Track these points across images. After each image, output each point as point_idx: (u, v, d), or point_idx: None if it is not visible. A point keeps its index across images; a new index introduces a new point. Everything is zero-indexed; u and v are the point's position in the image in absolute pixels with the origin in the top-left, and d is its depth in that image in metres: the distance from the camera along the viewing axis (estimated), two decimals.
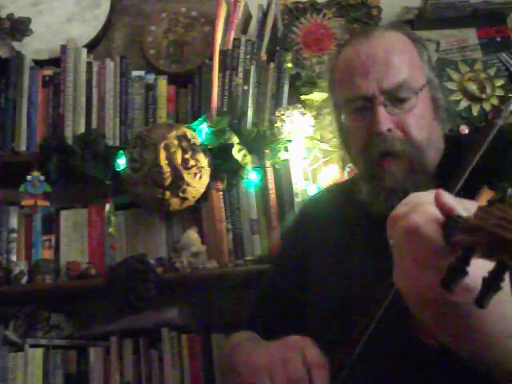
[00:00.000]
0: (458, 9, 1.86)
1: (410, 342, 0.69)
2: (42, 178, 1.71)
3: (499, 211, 0.48)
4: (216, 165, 1.70)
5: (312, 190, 1.62)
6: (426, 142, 0.95)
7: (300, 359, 0.77)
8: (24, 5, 1.95)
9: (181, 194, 1.64)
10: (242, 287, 1.64)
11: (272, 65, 1.79)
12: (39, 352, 1.58)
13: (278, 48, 1.83)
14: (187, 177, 1.63)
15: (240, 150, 1.68)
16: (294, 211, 1.59)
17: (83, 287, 1.63)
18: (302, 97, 1.76)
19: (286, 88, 1.77)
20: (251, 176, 1.70)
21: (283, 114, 1.65)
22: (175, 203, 1.66)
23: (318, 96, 1.74)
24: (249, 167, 1.69)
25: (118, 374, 1.58)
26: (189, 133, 1.67)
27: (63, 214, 1.75)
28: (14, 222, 1.72)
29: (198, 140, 1.68)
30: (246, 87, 1.76)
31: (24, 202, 1.71)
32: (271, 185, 1.68)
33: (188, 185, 1.64)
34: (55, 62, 1.85)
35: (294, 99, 1.75)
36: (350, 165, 1.62)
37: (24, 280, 1.61)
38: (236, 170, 1.70)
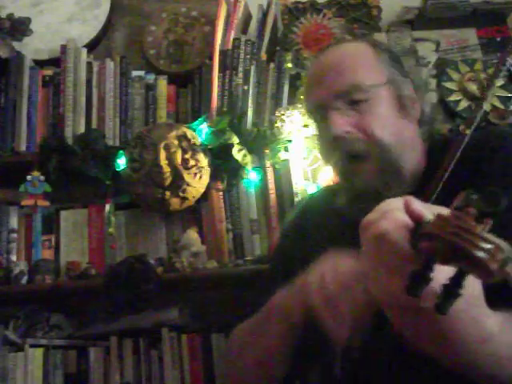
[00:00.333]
0: (458, 9, 1.86)
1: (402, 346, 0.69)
2: (42, 178, 1.71)
3: (457, 219, 0.49)
4: (216, 165, 1.70)
5: (312, 190, 1.62)
6: (393, 141, 0.93)
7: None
8: (24, 5, 1.95)
9: (181, 194, 1.64)
10: (241, 287, 1.64)
11: (272, 65, 1.79)
12: (39, 352, 1.58)
13: (277, 48, 1.83)
14: (187, 177, 1.63)
15: (240, 150, 1.68)
16: (293, 209, 1.59)
17: (83, 287, 1.63)
18: (302, 97, 1.76)
19: (286, 88, 1.77)
20: (251, 176, 1.70)
21: (283, 114, 1.66)
22: (175, 203, 1.66)
23: None
24: (249, 167, 1.69)
25: (118, 374, 1.58)
26: (189, 133, 1.67)
27: (63, 214, 1.76)
28: (14, 221, 1.72)
29: (198, 140, 1.68)
30: (245, 87, 1.76)
31: (24, 202, 1.71)
32: (271, 185, 1.69)
33: (188, 185, 1.64)
34: (55, 62, 1.85)
35: (294, 99, 1.75)
36: None
37: (24, 280, 1.61)
38: (236, 170, 1.70)
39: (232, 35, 1.81)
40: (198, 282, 1.66)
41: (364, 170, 0.94)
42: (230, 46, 1.80)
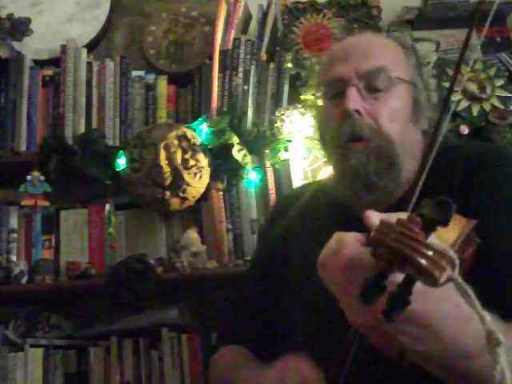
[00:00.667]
0: (458, 9, 1.86)
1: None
2: (42, 178, 1.71)
3: (400, 226, 0.49)
4: (216, 165, 1.70)
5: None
6: (398, 140, 0.92)
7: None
8: (24, 5, 1.95)
9: (181, 194, 1.64)
10: None
11: (272, 65, 1.79)
12: (39, 352, 1.58)
13: (277, 48, 1.83)
14: (187, 177, 1.64)
15: (240, 150, 1.68)
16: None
17: (83, 287, 1.64)
18: (302, 97, 1.76)
19: (286, 88, 1.77)
20: (251, 176, 1.70)
21: (283, 114, 1.66)
22: (175, 203, 1.66)
23: None
24: (249, 167, 1.69)
25: (118, 374, 1.58)
26: (189, 133, 1.67)
27: (63, 214, 1.76)
28: (14, 221, 1.73)
29: (198, 140, 1.68)
30: (245, 87, 1.76)
31: (24, 202, 1.71)
32: (271, 185, 1.69)
33: (188, 185, 1.64)
34: (55, 61, 1.85)
35: (294, 99, 1.75)
36: None
37: (24, 280, 1.61)
38: (236, 170, 1.70)
39: (232, 35, 1.81)
40: (197, 282, 1.67)
41: (360, 151, 0.92)
42: (230, 46, 1.80)
